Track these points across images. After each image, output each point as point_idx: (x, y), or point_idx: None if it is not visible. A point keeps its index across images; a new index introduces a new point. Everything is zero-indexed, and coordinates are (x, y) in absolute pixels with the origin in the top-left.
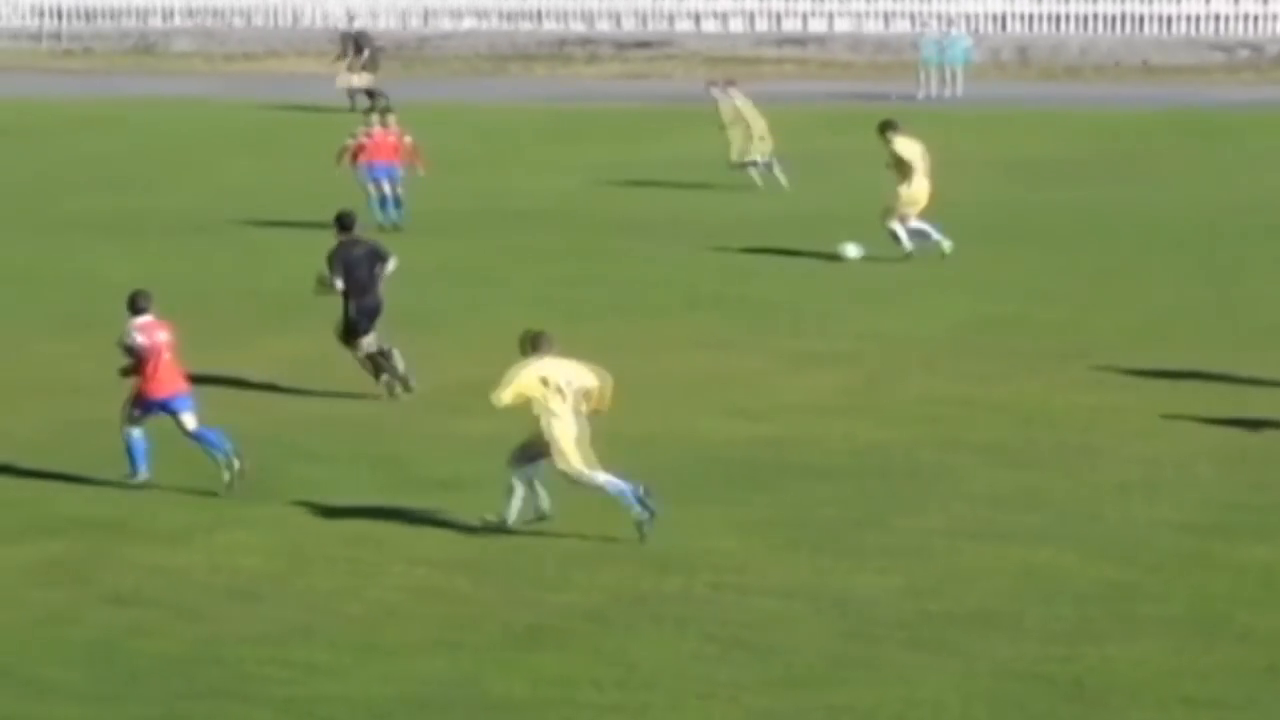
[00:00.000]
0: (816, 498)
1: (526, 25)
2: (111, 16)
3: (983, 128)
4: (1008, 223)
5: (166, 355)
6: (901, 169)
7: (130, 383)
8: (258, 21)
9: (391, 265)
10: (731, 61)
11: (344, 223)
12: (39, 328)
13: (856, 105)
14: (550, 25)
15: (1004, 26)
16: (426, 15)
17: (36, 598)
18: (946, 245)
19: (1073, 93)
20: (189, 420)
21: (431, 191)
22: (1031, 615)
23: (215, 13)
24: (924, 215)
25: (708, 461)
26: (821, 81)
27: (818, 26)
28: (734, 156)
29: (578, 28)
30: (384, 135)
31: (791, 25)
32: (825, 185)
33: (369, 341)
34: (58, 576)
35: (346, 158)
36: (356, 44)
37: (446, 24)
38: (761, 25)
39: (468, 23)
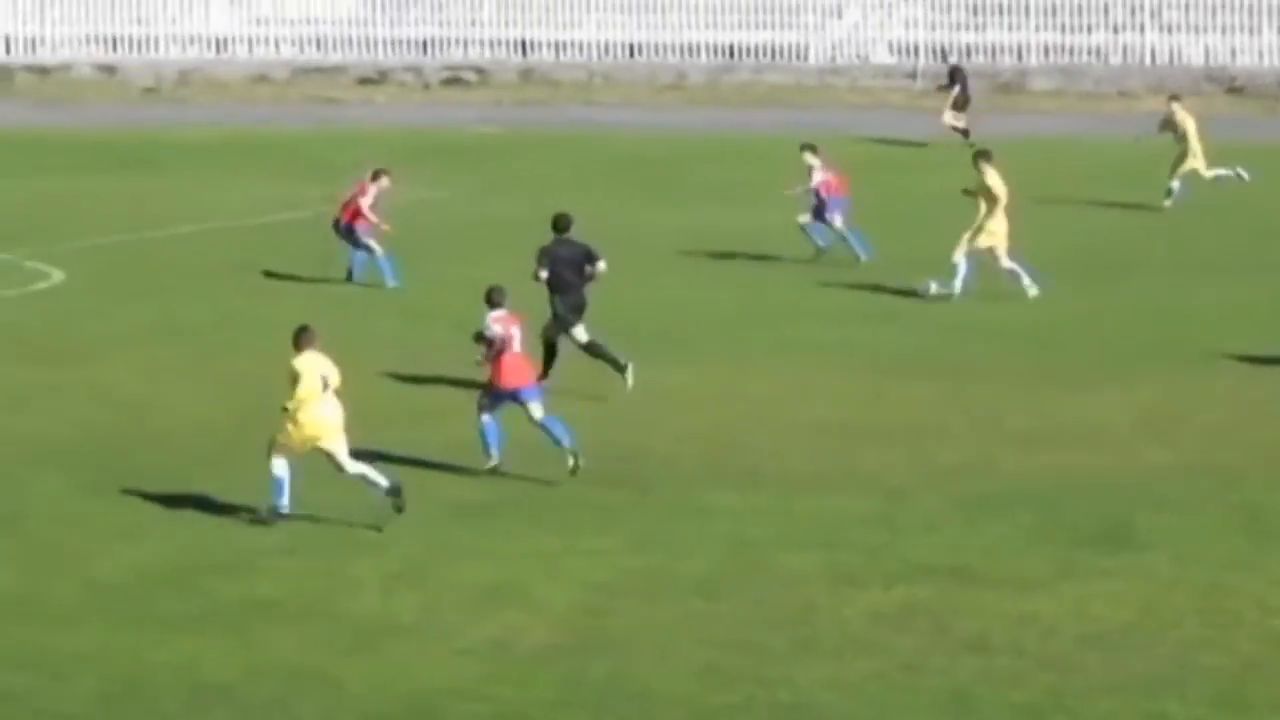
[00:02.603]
0: None
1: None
2: (988, 54)
3: None
4: None
5: (515, 348)
6: (989, 201)
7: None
8: (1113, 60)
9: (602, 266)
10: None
11: (558, 225)
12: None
13: None
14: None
15: None
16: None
17: (895, 644)
18: (1033, 291)
19: None
20: (535, 409)
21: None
22: None
23: (1071, 50)
24: (1013, 255)
25: None
26: None
27: None
28: (1204, 172)
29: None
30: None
31: None
32: None
33: (579, 332)
34: (914, 622)
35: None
36: (951, 79)
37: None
38: None
39: None
